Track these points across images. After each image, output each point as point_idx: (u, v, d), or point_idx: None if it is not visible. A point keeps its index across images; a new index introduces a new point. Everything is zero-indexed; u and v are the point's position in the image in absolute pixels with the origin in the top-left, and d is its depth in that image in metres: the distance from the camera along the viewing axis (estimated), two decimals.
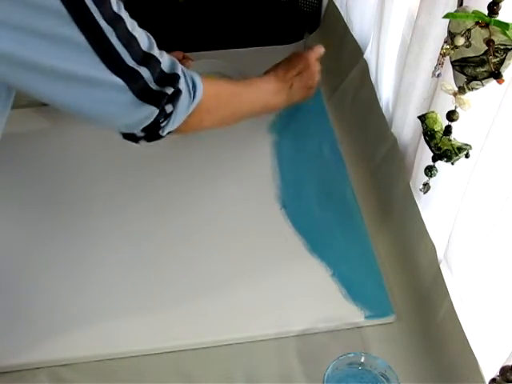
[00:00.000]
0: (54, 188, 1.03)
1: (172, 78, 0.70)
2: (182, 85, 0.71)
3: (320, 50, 1.03)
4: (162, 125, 0.72)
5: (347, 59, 1.19)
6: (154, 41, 0.70)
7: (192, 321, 0.86)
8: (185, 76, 0.73)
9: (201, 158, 1.08)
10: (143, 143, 0.75)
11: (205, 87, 0.77)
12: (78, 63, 0.61)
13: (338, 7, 1.26)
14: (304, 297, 0.88)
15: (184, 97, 0.72)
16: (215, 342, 0.84)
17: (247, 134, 1.09)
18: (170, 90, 0.69)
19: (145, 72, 0.66)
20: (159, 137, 0.74)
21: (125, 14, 0.64)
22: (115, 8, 0.62)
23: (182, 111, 0.73)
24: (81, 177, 1.05)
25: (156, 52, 0.68)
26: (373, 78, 1.10)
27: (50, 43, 0.58)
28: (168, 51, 1.14)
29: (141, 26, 0.69)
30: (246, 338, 0.85)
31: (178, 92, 0.71)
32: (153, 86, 0.67)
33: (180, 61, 1.14)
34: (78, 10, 0.58)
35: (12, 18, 0.55)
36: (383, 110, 1.05)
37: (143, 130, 0.71)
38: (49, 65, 0.59)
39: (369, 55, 1.13)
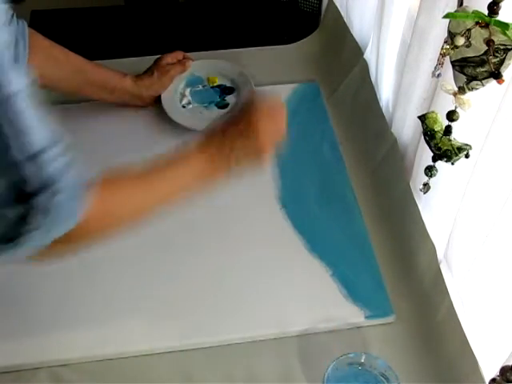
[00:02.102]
0: None
1: (53, 186, 0.58)
2: (61, 197, 0.59)
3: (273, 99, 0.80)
4: (26, 229, 0.58)
5: (347, 59, 1.19)
6: (60, 140, 0.59)
7: (192, 321, 0.86)
8: (71, 186, 0.60)
9: None
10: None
11: (92, 206, 0.62)
12: None
13: (338, 7, 1.26)
14: (304, 297, 0.88)
15: (59, 211, 0.60)
16: (215, 342, 0.85)
17: None
18: (43, 198, 0.57)
19: (29, 169, 0.56)
20: (18, 244, 0.60)
21: (24, 103, 0.55)
22: (10, 88, 0.54)
23: (57, 222, 0.60)
24: None
25: (51, 153, 0.58)
26: (373, 78, 1.10)
27: None
28: (169, 51, 1.16)
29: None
30: (246, 338, 0.85)
31: (52, 203, 0.58)
32: (29, 188, 0.57)
33: (180, 61, 1.16)
34: None
35: None
36: (383, 110, 1.05)
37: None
38: None
39: (369, 55, 1.13)
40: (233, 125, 0.77)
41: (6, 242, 0.59)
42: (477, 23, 0.62)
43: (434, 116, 0.76)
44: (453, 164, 0.74)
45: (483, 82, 0.64)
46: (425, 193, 0.83)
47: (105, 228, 0.68)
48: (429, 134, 0.76)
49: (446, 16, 0.65)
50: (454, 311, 0.79)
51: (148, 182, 0.72)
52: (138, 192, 0.71)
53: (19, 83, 0.55)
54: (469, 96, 0.67)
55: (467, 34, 0.62)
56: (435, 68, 0.70)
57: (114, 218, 0.69)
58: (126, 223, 0.71)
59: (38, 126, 0.57)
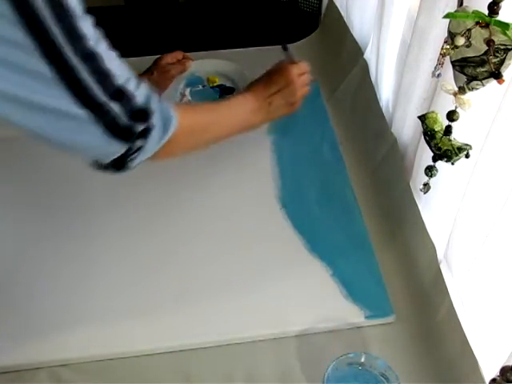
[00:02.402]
0: (55, 189, 1.03)
1: (144, 114, 0.67)
2: (154, 120, 0.69)
3: (304, 66, 0.95)
4: (131, 157, 0.70)
5: (347, 59, 1.19)
6: (132, 74, 0.66)
7: (192, 321, 0.86)
8: (160, 109, 0.70)
9: (201, 159, 1.08)
10: (110, 172, 0.72)
11: (179, 119, 0.74)
12: (44, 95, 0.60)
13: (338, 7, 1.26)
14: (304, 297, 0.88)
15: (155, 131, 0.70)
16: (215, 342, 0.84)
17: (247, 134, 1.09)
18: (141, 127, 0.67)
19: (116, 107, 0.64)
20: (127, 168, 0.71)
21: (102, 47, 0.62)
22: (91, 43, 0.60)
23: (152, 145, 0.71)
24: (82, 178, 1.04)
25: (131, 86, 0.66)
26: (373, 78, 1.10)
27: (15, 73, 0.57)
28: (168, 51, 1.16)
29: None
30: (246, 338, 0.85)
31: (149, 128, 0.68)
32: (123, 121, 0.65)
33: (180, 61, 1.16)
34: (44, 43, 0.56)
35: None
36: (383, 110, 1.05)
37: (112, 161, 0.69)
38: (13, 93, 0.59)
39: (369, 55, 1.13)
40: (274, 81, 0.93)
41: (118, 164, 0.69)
42: (477, 23, 0.62)
43: (434, 116, 0.76)
44: (453, 164, 0.74)
45: (483, 81, 0.64)
46: (425, 193, 0.83)
47: (189, 141, 0.80)
48: (429, 134, 0.76)
49: (446, 16, 0.65)
50: (454, 311, 0.79)
51: (216, 110, 0.87)
52: (212, 115, 0.85)
53: (92, 29, 0.61)
54: (469, 96, 0.67)
55: (467, 34, 0.62)
56: (435, 68, 0.70)
57: (196, 132, 0.81)
58: (203, 141, 0.84)
59: (114, 64, 0.63)
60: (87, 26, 0.60)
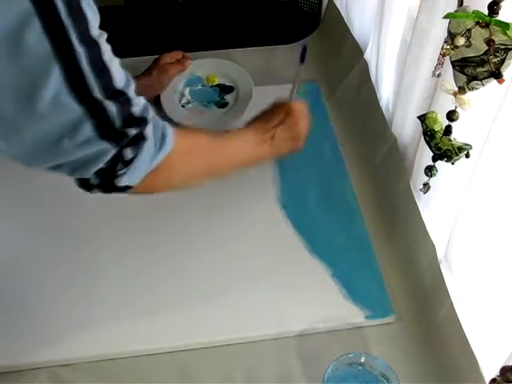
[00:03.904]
0: (60, 190, 1.02)
1: (139, 121, 0.63)
2: (148, 131, 0.64)
3: (302, 102, 0.93)
4: (120, 172, 0.64)
5: (347, 59, 1.19)
6: (132, 83, 0.63)
7: (192, 321, 0.86)
8: (155, 124, 0.66)
9: None
10: (96, 193, 0.67)
11: (176, 142, 0.69)
12: (38, 79, 0.55)
13: (338, 7, 1.26)
14: (304, 297, 0.88)
15: (149, 145, 0.65)
16: (215, 342, 0.84)
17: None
18: (133, 132, 0.62)
19: (111, 107, 0.59)
20: (115, 188, 0.66)
21: (105, 46, 0.59)
22: (94, 33, 0.57)
23: (144, 161, 0.65)
24: None
25: (130, 93, 0.62)
26: (373, 78, 1.10)
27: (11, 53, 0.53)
28: (168, 51, 1.16)
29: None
30: (246, 338, 0.85)
31: (141, 137, 0.63)
32: (116, 123, 0.60)
33: (179, 60, 1.16)
34: (51, 19, 0.53)
35: None
36: (383, 110, 1.05)
37: (98, 174, 0.63)
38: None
39: (369, 55, 1.13)
40: (275, 114, 0.90)
41: (105, 179, 0.64)
42: (477, 23, 0.62)
43: (434, 116, 0.76)
44: (453, 164, 0.74)
45: (483, 81, 0.64)
46: (425, 193, 0.83)
47: (187, 166, 0.75)
48: (429, 134, 0.76)
49: (446, 16, 0.65)
50: (454, 311, 0.79)
51: (215, 140, 0.82)
52: (211, 142, 0.81)
53: (97, 27, 0.58)
54: (469, 96, 0.67)
55: (467, 34, 0.62)
56: (435, 68, 0.70)
57: (194, 156, 0.76)
58: (202, 170, 0.79)
59: (115, 66, 0.60)
60: (91, 14, 0.57)
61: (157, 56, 1.15)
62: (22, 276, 0.92)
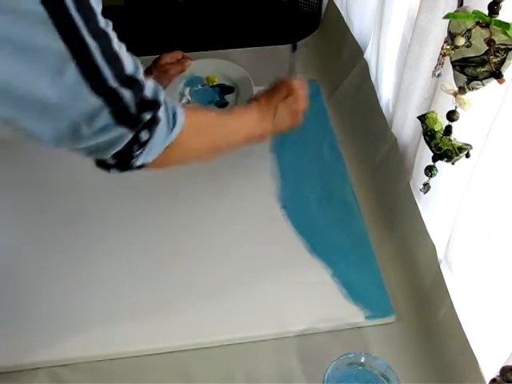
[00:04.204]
0: (58, 189, 1.03)
1: (152, 105, 0.66)
2: (161, 113, 0.67)
3: (302, 79, 0.95)
4: (136, 153, 0.67)
5: (347, 59, 1.19)
6: (140, 66, 0.65)
7: (192, 321, 0.86)
8: (166, 105, 0.69)
9: None
10: (115, 172, 0.70)
11: (186, 120, 0.72)
12: (54, 78, 0.57)
13: (338, 7, 1.26)
14: (304, 297, 0.88)
15: (162, 126, 0.68)
16: (215, 342, 0.84)
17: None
18: (148, 116, 0.65)
19: (127, 94, 0.62)
20: (132, 167, 0.69)
21: (112, 34, 0.61)
22: (102, 24, 0.59)
23: (158, 141, 0.69)
24: (85, 179, 1.04)
25: (140, 77, 0.64)
26: (373, 78, 1.10)
27: (22, 55, 0.55)
28: (168, 51, 1.16)
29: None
30: (246, 338, 0.85)
31: (156, 119, 0.66)
32: (132, 109, 0.63)
33: (179, 60, 1.16)
34: (62, 18, 0.55)
35: None
36: (383, 110, 1.05)
37: (115, 156, 0.67)
38: (10, 84, 0.56)
39: (369, 55, 1.13)
40: (276, 91, 0.93)
41: (122, 160, 0.67)
42: (477, 23, 0.62)
43: (434, 116, 0.76)
44: (453, 164, 0.74)
45: (484, 81, 0.64)
46: (425, 193, 0.83)
47: (197, 142, 0.77)
48: (429, 134, 0.76)
49: (446, 16, 0.65)
50: (454, 311, 0.79)
51: (223, 117, 0.86)
52: (217, 119, 0.84)
53: (102, 17, 0.60)
54: (469, 96, 0.67)
55: (467, 34, 0.62)
56: (435, 68, 0.70)
57: (203, 132, 0.79)
58: (210, 146, 0.82)
59: (124, 53, 0.62)
60: (97, 4, 0.59)
61: (157, 56, 1.15)
62: (21, 276, 0.92)
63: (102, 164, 0.69)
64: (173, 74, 1.14)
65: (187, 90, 1.16)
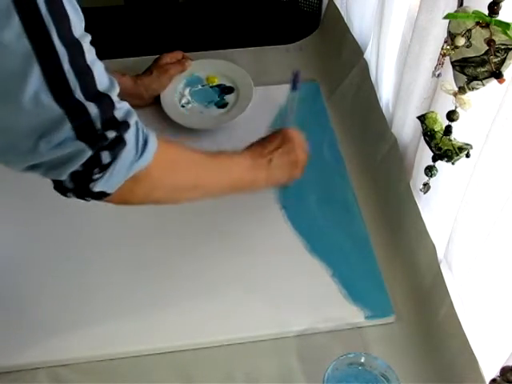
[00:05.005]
0: (50, 191, 1.03)
1: (119, 125, 0.61)
2: (129, 136, 0.62)
3: (298, 131, 0.92)
4: (95, 177, 0.61)
5: (347, 59, 1.19)
6: (117, 87, 0.62)
7: (192, 321, 0.86)
8: (137, 130, 0.63)
9: None
10: (71, 197, 0.65)
11: (159, 150, 0.66)
12: (15, 78, 0.53)
13: (338, 7, 1.26)
14: (304, 297, 0.88)
15: (128, 151, 0.62)
16: (215, 342, 0.85)
17: (247, 133, 1.09)
18: (112, 135, 0.60)
19: (93, 109, 0.58)
20: (90, 192, 0.63)
21: (88, 47, 0.58)
22: (76, 34, 0.56)
23: (122, 167, 0.62)
24: None
25: (114, 97, 0.61)
26: (373, 78, 1.10)
27: None
28: (168, 51, 1.16)
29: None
30: (246, 338, 0.85)
31: (120, 140, 0.61)
32: (97, 125, 0.59)
33: (179, 60, 1.16)
34: (30, 15, 0.51)
35: None
36: (383, 110, 1.05)
37: (72, 178, 0.61)
38: None
39: (369, 55, 1.13)
40: (271, 140, 0.89)
41: (80, 183, 0.62)
42: (477, 23, 0.62)
43: (434, 116, 0.76)
44: (453, 164, 0.74)
45: (484, 81, 0.64)
46: (425, 193, 0.83)
47: (170, 179, 0.72)
48: (429, 135, 0.76)
49: (446, 16, 0.65)
50: (454, 311, 0.79)
51: (207, 155, 0.79)
52: (198, 159, 0.77)
53: (80, 29, 0.57)
54: (469, 96, 0.67)
55: (467, 34, 0.62)
56: (435, 68, 0.70)
57: (180, 170, 0.74)
58: (188, 186, 0.76)
59: (99, 69, 0.59)
60: (75, 15, 0.55)
61: (157, 56, 1.15)
62: (21, 276, 0.92)
63: (58, 187, 0.64)
64: (173, 73, 1.14)
65: (187, 90, 1.16)
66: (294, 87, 0.95)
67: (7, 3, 0.51)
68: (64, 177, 0.61)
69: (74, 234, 0.96)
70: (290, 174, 0.91)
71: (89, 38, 0.58)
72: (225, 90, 1.17)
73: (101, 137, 0.59)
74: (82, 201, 0.64)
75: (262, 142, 0.89)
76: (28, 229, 0.98)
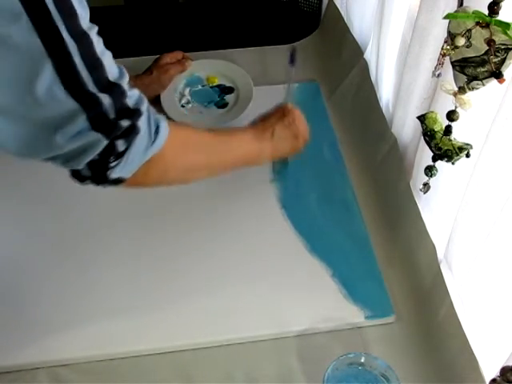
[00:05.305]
0: (58, 190, 1.03)
1: (132, 113, 0.62)
2: (142, 123, 0.63)
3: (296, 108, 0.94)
4: (112, 164, 0.63)
5: (347, 59, 1.19)
6: (126, 76, 0.63)
7: (192, 321, 0.86)
8: (149, 116, 0.65)
9: None
10: (89, 184, 0.66)
11: (170, 133, 0.69)
12: (30, 74, 0.54)
13: (338, 7, 1.26)
14: (304, 297, 0.88)
15: (142, 137, 0.64)
16: (215, 342, 0.84)
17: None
18: (126, 124, 0.62)
19: (106, 100, 0.59)
20: (107, 180, 0.65)
21: (96, 38, 0.58)
22: (84, 26, 0.56)
23: (137, 153, 0.65)
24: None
25: (124, 85, 0.62)
26: (373, 78, 1.10)
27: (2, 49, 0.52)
28: (168, 51, 1.16)
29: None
30: (246, 338, 0.85)
31: (135, 128, 0.63)
32: (110, 116, 0.60)
33: (179, 60, 1.16)
34: (38, 12, 0.52)
35: None
36: (383, 110, 1.05)
37: (90, 166, 0.63)
38: None
39: (369, 55, 1.13)
40: (272, 114, 0.92)
41: (97, 171, 0.64)
42: (477, 23, 0.62)
43: (434, 116, 0.76)
44: (453, 164, 0.74)
45: (484, 81, 0.64)
46: (425, 193, 0.83)
47: (182, 160, 0.75)
48: (429, 135, 0.76)
49: (446, 16, 0.65)
50: (454, 311, 0.79)
51: (213, 134, 0.82)
52: (206, 139, 0.81)
53: (87, 21, 0.58)
54: (469, 96, 0.67)
55: (467, 34, 0.62)
56: (435, 68, 0.70)
57: (191, 151, 0.76)
58: (199, 165, 0.79)
59: (108, 59, 0.60)
60: (81, 7, 0.56)
61: (157, 56, 1.15)
62: (21, 276, 0.92)
63: (76, 175, 0.66)
64: (173, 73, 1.14)
65: (187, 90, 1.16)
66: (291, 62, 0.97)
67: (15, 3, 0.51)
68: (82, 166, 0.63)
69: (73, 233, 0.96)
70: (293, 145, 0.94)
71: (96, 28, 0.59)
72: (225, 90, 1.17)
73: (115, 126, 0.61)
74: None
75: (263, 118, 0.93)
76: (28, 229, 0.98)
